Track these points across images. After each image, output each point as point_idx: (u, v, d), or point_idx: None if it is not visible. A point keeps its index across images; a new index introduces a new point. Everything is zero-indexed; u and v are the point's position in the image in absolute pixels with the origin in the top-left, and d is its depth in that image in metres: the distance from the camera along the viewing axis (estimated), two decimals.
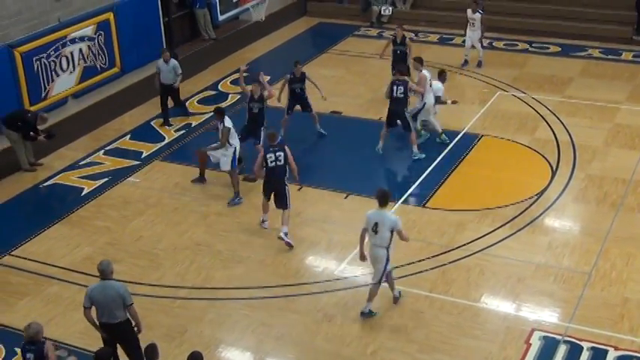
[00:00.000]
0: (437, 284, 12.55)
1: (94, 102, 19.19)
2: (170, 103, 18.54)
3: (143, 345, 9.98)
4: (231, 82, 21.08)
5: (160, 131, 18.23)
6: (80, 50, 18.47)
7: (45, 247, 13.98)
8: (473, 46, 21.28)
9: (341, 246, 13.67)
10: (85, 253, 13.69)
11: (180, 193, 15.59)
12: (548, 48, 22.96)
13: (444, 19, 24.75)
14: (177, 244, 13.90)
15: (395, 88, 16.30)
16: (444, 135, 17.15)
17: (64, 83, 18.22)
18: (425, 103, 16.80)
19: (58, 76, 17.98)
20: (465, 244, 13.55)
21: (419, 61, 17.01)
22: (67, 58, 18.13)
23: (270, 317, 12.00)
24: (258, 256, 13.50)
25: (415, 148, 16.54)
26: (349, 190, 15.48)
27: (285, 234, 13.66)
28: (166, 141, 17.83)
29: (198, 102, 19.99)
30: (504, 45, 23.23)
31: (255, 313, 12.10)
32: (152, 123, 18.51)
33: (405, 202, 15.05)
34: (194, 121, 18.72)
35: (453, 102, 17.66)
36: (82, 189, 15.88)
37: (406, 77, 16.91)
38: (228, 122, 15.07)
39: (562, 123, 17.90)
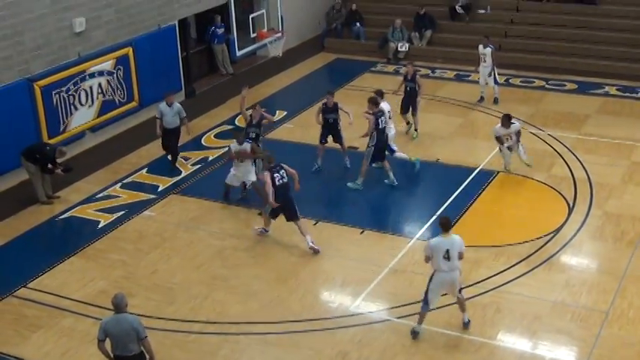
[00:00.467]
0: (452, 321, 12.44)
1: (111, 135, 19.36)
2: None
3: None
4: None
5: (177, 165, 18.29)
6: (99, 84, 18.66)
7: (60, 279, 13.99)
8: (487, 82, 21.34)
9: (356, 282, 13.61)
10: (100, 287, 13.68)
11: (195, 227, 15.61)
12: (565, 85, 22.98)
13: (460, 56, 24.84)
14: (192, 279, 13.88)
15: (380, 120, 16.51)
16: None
17: (83, 117, 18.40)
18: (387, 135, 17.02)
19: (76, 109, 18.16)
20: (480, 281, 13.46)
21: (379, 93, 17.29)
22: (86, 92, 18.32)
23: (285, 353, 11.92)
24: (274, 291, 13.45)
25: (360, 179, 16.77)
26: (365, 225, 15.45)
27: (313, 242, 14.34)
28: (183, 175, 17.89)
29: (215, 136, 20.08)
30: (521, 82, 23.28)
31: (270, 349, 12.03)
32: (169, 157, 18.59)
33: (421, 237, 14.99)
34: (210, 155, 18.79)
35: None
36: (98, 222, 15.92)
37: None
38: (234, 146, 15.91)
39: (579, 160, 17.84)
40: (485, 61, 21.08)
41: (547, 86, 22.95)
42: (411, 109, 19.08)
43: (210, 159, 18.62)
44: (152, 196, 16.91)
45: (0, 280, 13.95)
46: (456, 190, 16.68)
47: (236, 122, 20.86)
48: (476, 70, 21.65)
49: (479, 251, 14.30)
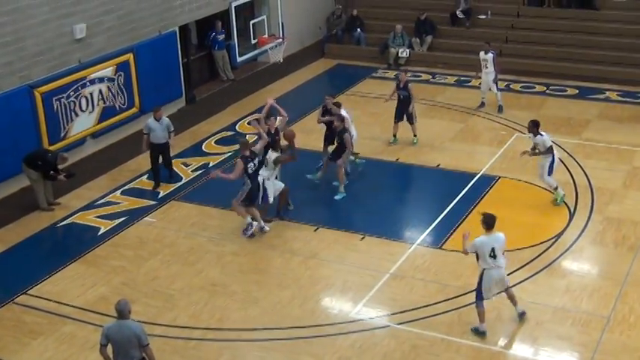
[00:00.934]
0: (453, 327, 12.43)
1: (112, 142, 19.37)
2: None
3: None
4: (248, 123, 21.18)
5: (178, 171, 18.28)
6: (100, 91, 18.69)
7: (60, 286, 13.98)
8: (490, 89, 21.31)
9: (356, 288, 13.60)
10: (100, 293, 13.68)
11: (196, 233, 15.60)
12: (565, 90, 22.97)
13: (460, 62, 24.85)
14: (193, 285, 13.87)
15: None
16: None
17: (83, 123, 18.42)
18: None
19: (77, 116, 18.18)
20: None
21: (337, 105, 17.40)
22: (86, 98, 18.35)
23: (286, 359, 11.91)
24: (274, 297, 13.44)
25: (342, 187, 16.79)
26: (365, 231, 15.43)
27: (263, 225, 15.17)
28: (183, 181, 17.89)
29: (216, 142, 20.08)
30: (521, 87, 23.27)
31: (270, 355, 12.01)
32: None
33: (422, 243, 14.98)
34: (211, 162, 18.79)
35: None
36: (99, 229, 15.92)
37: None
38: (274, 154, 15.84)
39: (579, 165, 17.83)
40: (487, 67, 21.06)
41: (548, 91, 22.94)
42: (406, 117, 19.04)
43: (210, 165, 18.60)
44: (152, 203, 16.90)
45: (0, 287, 13.94)
46: (457, 196, 16.67)
47: (237, 128, 20.88)
48: (476, 76, 21.63)
49: None
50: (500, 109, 21.21)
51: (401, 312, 12.82)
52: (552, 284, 13.53)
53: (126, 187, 17.69)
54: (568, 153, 18.49)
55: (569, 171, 17.60)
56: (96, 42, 18.75)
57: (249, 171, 14.77)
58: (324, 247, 14.92)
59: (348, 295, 13.47)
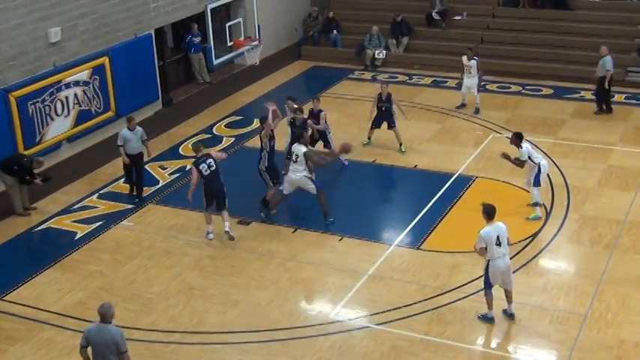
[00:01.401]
0: (432, 327, 12.47)
1: (88, 146, 19.28)
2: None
3: None
4: (225, 126, 21.13)
5: (154, 174, 18.21)
6: (75, 94, 18.59)
7: (37, 291, 13.88)
8: (470, 90, 21.33)
9: (335, 289, 13.60)
10: (78, 298, 13.59)
11: (173, 237, 15.55)
12: (541, 90, 23.12)
13: (437, 63, 24.96)
14: (171, 288, 13.81)
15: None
16: None
17: (59, 127, 18.31)
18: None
19: (52, 120, 18.07)
20: (459, 286, 13.49)
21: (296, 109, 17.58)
22: (62, 102, 18.24)
23: None
24: (252, 299, 13.42)
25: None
26: (343, 232, 15.44)
27: (230, 229, 14.92)
28: (160, 184, 17.82)
29: (193, 145, 19.95)
30: (497, 87, 23.39)
31: (249, 358, 11.99)
32: (147, 167, 18.43)
33: (400, 244, 15.01)
34: (188, 164, 18.68)
35: None
36: (76, 233, 15.82)
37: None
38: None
39: (555, 164, 17.93)
40: (470, 73, 21.11)
41: (523, 91, 23.07)
42: (387, 124, 19.01)
43: (187, 167, 18.50)
44: (129, 206, 16.82)
45: None
46: (435, 196, 16.72)
47: (214, 130, 20.81)
48: (460, 81, 21.56)
49: (458, 256, 14.35)
50: (477, 110, 21.28)
51: (380, 312, 12.85)
52: (530, 283, 13.61)
53: (102, 191, 17.60)
54: (544, 152, 18.58)
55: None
56: (71, 45, 18.65)
57: (204, 172, 14.83)
58: (302, 248, 14.92)
59: (327, 297, 13.47)
